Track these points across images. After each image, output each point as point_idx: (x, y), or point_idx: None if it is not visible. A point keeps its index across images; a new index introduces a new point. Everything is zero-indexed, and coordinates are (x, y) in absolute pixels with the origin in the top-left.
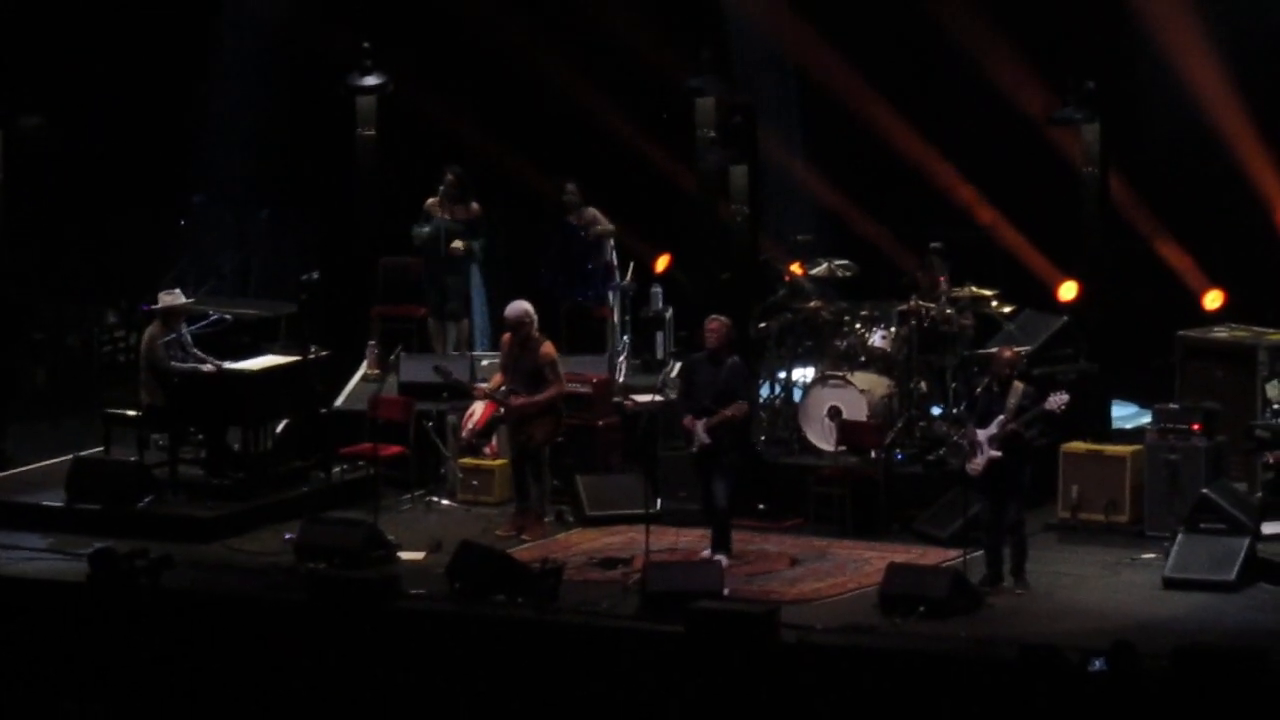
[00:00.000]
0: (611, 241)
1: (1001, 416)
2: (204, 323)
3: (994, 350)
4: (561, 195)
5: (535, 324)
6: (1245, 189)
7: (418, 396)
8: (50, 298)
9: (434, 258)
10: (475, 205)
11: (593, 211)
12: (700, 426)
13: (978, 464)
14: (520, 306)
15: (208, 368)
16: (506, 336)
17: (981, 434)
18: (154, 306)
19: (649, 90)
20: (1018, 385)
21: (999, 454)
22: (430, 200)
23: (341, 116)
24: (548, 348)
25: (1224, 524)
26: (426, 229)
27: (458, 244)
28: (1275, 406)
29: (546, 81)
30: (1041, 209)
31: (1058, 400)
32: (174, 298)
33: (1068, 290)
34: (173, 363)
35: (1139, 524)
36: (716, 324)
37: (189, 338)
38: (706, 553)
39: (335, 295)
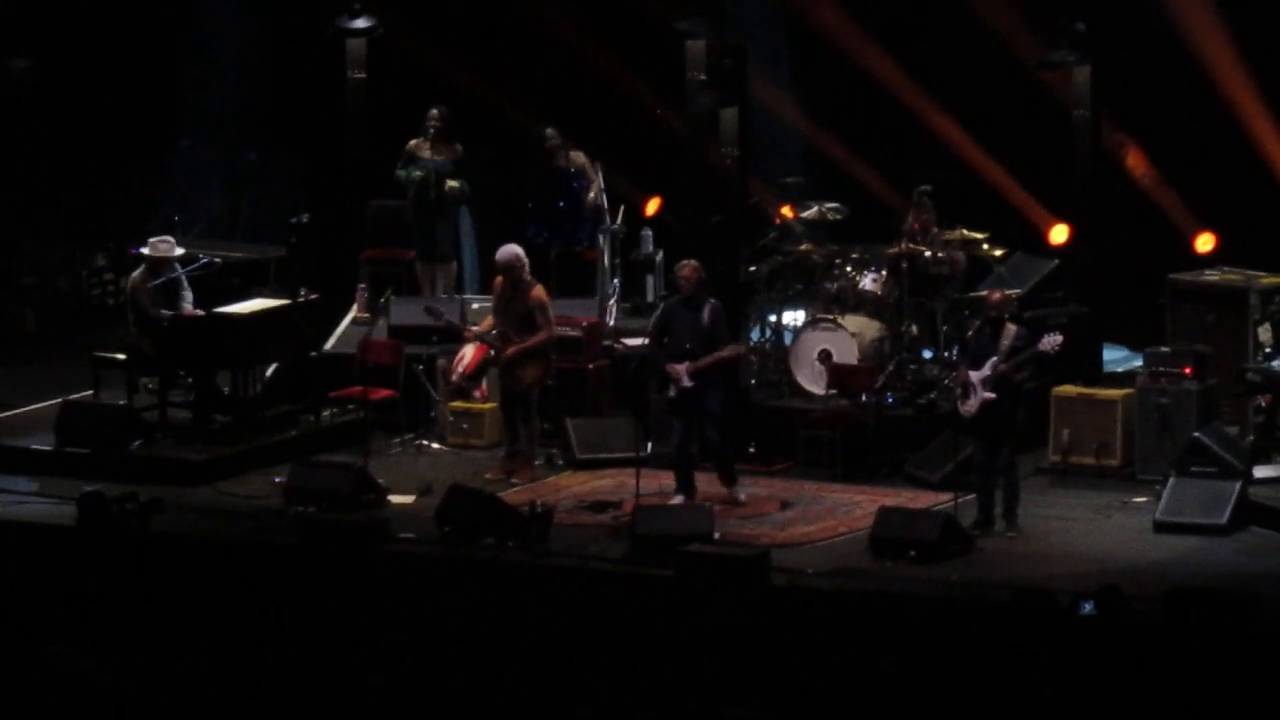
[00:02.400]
0: (600, 184)
1: (994, 358)
2: (193, 266)
3: (984, 293)
4: (542, 142)
5: (526, 267)
6: (1237, 131)
7: (408, 340)
8: (39, 241)
9: (423, 201)
10: (458, 146)
11: (580, 155)
12: (684, 370)
13: (971, 406)
14: (511, 250)
15: (187, 308)
16: (498, 280)
17: (974, 376)
18: (142, 251)
19: (639, 32)
20: (1010, 327)
21: (992, 396)
22: (413, 142)
23: (331, 59)
24: (538, 291)
25: (1215, 467)
26: (417, 171)
27: (453, 183)
28: (1267, 350)
29: (536, 24)
30: (1032, 152)
31: (1052, 341)
32: (163, 244)
33: (1058, 233)
34: (162, 309)
35: (1130, 467)
36: (689, 268)
37: (184, 280)
38: (679, 499)
39: (324, 238)
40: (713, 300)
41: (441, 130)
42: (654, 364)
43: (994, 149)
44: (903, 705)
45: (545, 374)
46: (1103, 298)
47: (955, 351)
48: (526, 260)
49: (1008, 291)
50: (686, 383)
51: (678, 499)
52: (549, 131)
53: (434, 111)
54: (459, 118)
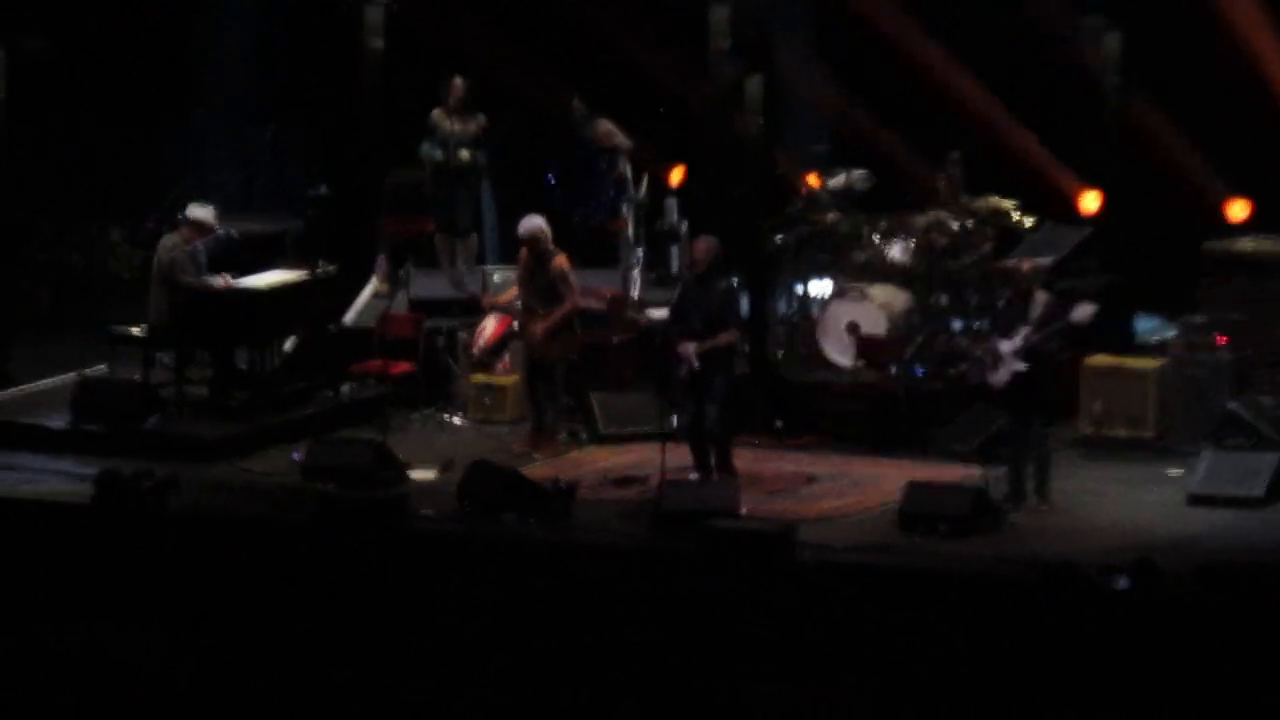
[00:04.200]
0: (625, 154)
1: (1025, 328)
2: (209, 239)
3: (1014, 262)
4: (568, 113)
5: (549, 239)
6: (1270, 97)
7: (428, 313)
8: (53, 217)
9: (443, 172)
10: (482, 117)
11: (606, 124)
12: (691, 350)
13: (1001, 377)
14: (534, 222)
15: (219, 282)
16: (523, 252)
17: (1005, 346)
18: (185, 216)
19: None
20: (1040, 296)
21: (1023, 367)
22: (436, 111)
23: (348, 29)
24: (560, 260)
25: (1250, 439)
26: (437, 151)
27: (465, 153)
28: None
29: None
30: (1063, 118)
31: (1084, 311)
32: (206, 211)
33: (1090, 201)
34: (186, 277)
35: (1163, 439)
36: (704, 244)
37: (204, 256)
38: (694, 476)
39: (343, 210)
40: (726, 280)
41: (463, 101)
42: (671, 341)
43: (1024, 115)
44: (933, 682)
45: (570, 347)
46: (1135, 266)
47: (985, 322)
48: (549, 231)
49: (1038, 261)
50: (694, 363)
51: (694, 476)
52: (575, 103)
53: (456, 82)
54: (478, 87)
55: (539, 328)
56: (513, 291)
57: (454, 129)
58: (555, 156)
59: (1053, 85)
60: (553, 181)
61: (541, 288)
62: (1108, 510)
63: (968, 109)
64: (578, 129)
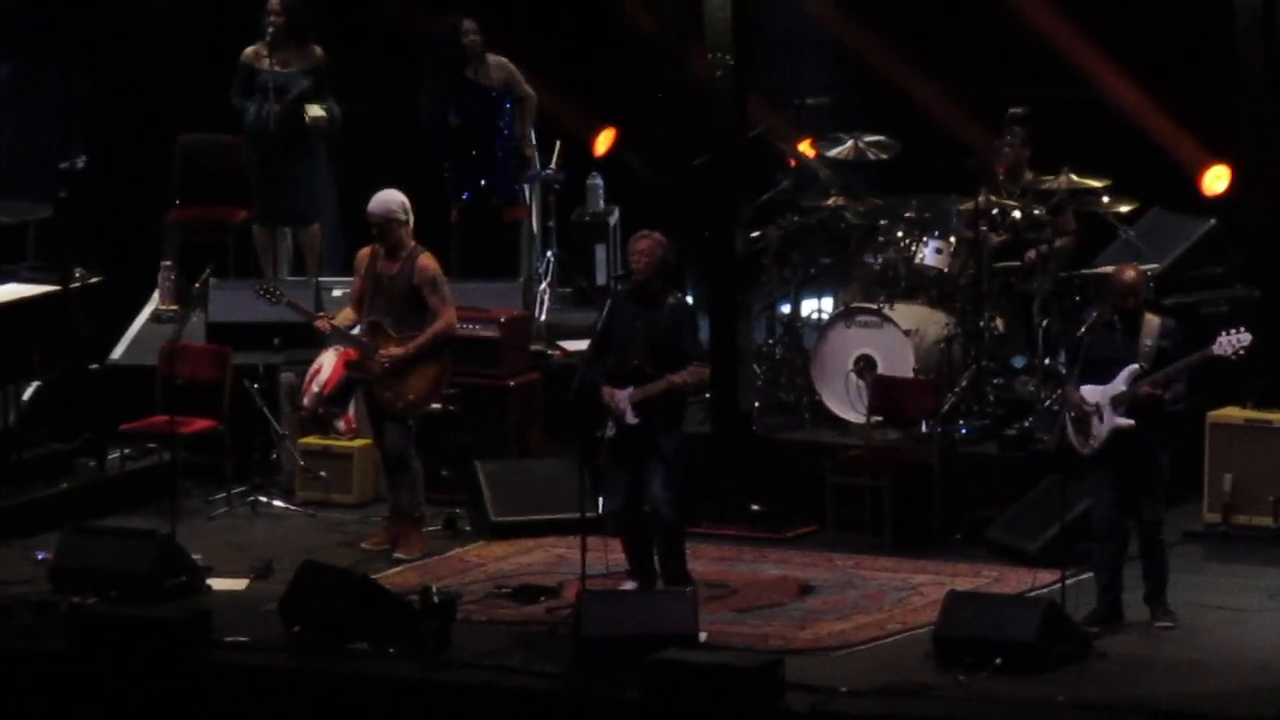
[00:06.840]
0: (526, 108)
1: (1134, 366)
2: None
3: (1107, 270)
4: (455, 37)
5: (410, 225)
6: None
7: (236, 344)
8: None
9: (262, 134)
10: (317, 49)
11: (500, 61)
12: (626, 398)
13: (1097, 437)
14: (389, 199)
15: None
16: (365, 251)
17: (1096, 392)
18: None
19: None
20: (1152, 319)
21: (1129, 423)
22: (250, 49)
23: None
24: (427, 260)
25: None
26: (252, 102)
27: (316, 110)
28: None
29: None
30: (1181, 59)
31: (1234, 341)
32: None
33: (1217, 179)
34: None
35: None
36: (647, 243)
37: None
38: (631, 585)
39: (109, 191)
40: (676, 296)
41: (288, 28)
42: (590, 385)
43: (1122, 54)
44: None
45: (437, 384)
46: None
47: (1062, 358)
48: (411, 214)
49: (1141, 267)
50: (630, 417)
51: (630, 585)
52: (467, 24)
53: (273, 2)
54: (317, 8)
55: (390, 356)
56: (350, 311)
57: (275, 68)
58: (432, 107)
59: (1168, 8)
60: (455, 121)
61: (396, 296)
62: (1244, 634)
63: (1042, 43)
64: (464, 65)
